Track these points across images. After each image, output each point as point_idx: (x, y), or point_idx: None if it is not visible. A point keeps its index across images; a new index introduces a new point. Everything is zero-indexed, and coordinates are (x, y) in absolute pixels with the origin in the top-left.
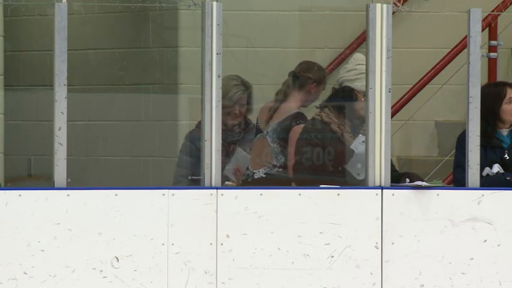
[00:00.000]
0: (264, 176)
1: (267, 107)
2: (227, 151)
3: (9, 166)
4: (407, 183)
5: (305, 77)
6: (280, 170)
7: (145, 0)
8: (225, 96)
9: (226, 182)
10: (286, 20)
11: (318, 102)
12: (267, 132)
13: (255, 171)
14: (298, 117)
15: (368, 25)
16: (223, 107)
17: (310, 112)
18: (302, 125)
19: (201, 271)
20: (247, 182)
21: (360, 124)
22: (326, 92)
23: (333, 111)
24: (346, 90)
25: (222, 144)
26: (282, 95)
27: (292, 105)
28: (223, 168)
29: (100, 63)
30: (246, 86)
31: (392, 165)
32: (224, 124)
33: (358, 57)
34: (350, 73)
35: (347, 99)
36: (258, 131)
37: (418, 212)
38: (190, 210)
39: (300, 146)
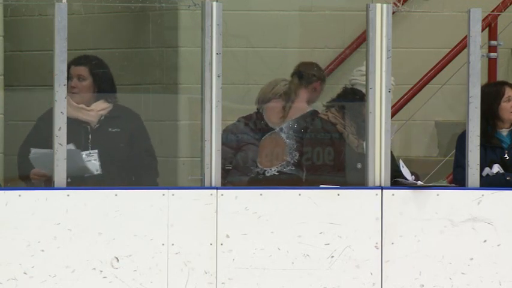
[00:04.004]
0: (276, 173)
1: (275, 106)
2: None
3: (9, 166)
4: (408, 182)
5: (310, 75)
6: (293, 168)
7: (145, 0)
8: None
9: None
10: (286, 20)
11: (325, 101)
12: (281, 129)
13: (266, 168)
14: (315, 114)
15: (368, 25)
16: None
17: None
18: None
19: (201, 271)
20: (259, 180)
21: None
22: (333, 91)
23: (339, 111)
24: (357, 93)
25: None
26: (293, 94)
27: (302, 103)
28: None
29: None
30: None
31: (396, 165)
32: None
33: None
34: (363, 78)
35: (355, 102)
36: (267, 130)
37: (418, 212)
38: (190, 210)
39: (307, 144)
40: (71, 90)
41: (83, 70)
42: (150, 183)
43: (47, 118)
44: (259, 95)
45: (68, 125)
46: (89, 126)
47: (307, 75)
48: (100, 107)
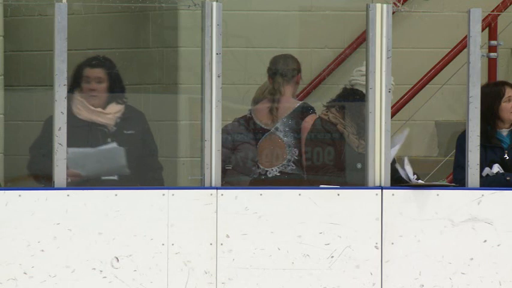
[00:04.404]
0: (278, 174)
1: (264, 107)
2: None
3: (9, 166)
4: (407, 178)
5: (291, 69)
6: (294, 167)
7: (145, 0)
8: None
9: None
10: (286, 20)
11: (325, 101)
12: (277, 128)
13: (267, 169)
14: (307, 107)
15: (368, 25)
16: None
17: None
18: (314, 114)
19: (201, 271)
20: (261, 180)
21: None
22: (333, 91)
23: (339, 111)
24: (357, 93)
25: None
26: (278, 93)
27: (290, 99)
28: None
29: None
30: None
31: (395, 165)
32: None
33: None
34: (363, 78)
35: (356, 101)
36: (260, 131)
37: (418, 212)
38: (190, 210)
39: (307, 144)
40: (90, 93)
41: (100, 72)
42: (159, 183)
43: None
44: (254, 96)
45: (83, 128)
46: (106, 130)
47: (288, 71)
48: (115, 110)
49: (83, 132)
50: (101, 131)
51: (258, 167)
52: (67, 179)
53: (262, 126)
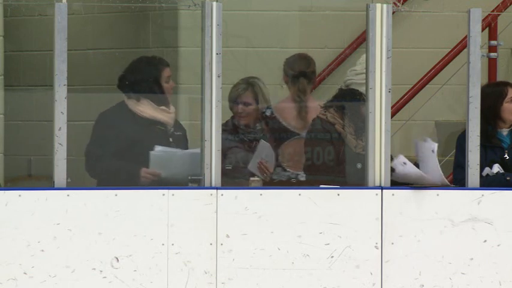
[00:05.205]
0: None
1: (289, 107)
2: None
3: (9, 166)
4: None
5: (311, 72)
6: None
7: (145, 0)
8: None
9: (252, 179)
10: (286, 20)
11: (321, 101)
12: (309, 133)
13: (299, 172)
14: None
15: (368, 25)
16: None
17: None
18: None
19: (201, 271)
20: (290, 182)
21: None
22: (333, 91)
23: (338, 111)
24: (354, 93)
25: (243, 141)
26: (304, 95)
27: (312, 99)
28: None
29: (100, 63)
30: (247, 84)
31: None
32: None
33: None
34: (358, 77)
35: (353, 101)
36: (285, 131)
37: (418, 212)
38: (190, 210)
39: (306, 144)
40: (168, 92)
41: (170, 71)
42: (198, 185)
43: (110, 116)
44: (229, 95)
45: (146, 126)
46: (166, 128)
47: (310, 73)
48: (174, 110)
49: (145, 131)
50: (162, 130)
51: (285, 170)
52: (139, 177)
53: (288, 127)
